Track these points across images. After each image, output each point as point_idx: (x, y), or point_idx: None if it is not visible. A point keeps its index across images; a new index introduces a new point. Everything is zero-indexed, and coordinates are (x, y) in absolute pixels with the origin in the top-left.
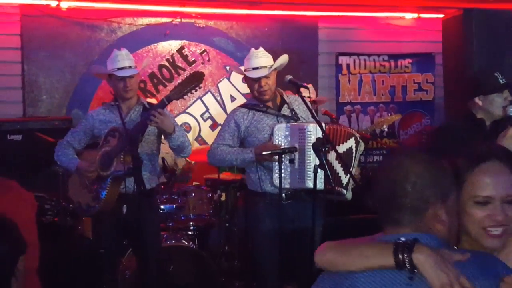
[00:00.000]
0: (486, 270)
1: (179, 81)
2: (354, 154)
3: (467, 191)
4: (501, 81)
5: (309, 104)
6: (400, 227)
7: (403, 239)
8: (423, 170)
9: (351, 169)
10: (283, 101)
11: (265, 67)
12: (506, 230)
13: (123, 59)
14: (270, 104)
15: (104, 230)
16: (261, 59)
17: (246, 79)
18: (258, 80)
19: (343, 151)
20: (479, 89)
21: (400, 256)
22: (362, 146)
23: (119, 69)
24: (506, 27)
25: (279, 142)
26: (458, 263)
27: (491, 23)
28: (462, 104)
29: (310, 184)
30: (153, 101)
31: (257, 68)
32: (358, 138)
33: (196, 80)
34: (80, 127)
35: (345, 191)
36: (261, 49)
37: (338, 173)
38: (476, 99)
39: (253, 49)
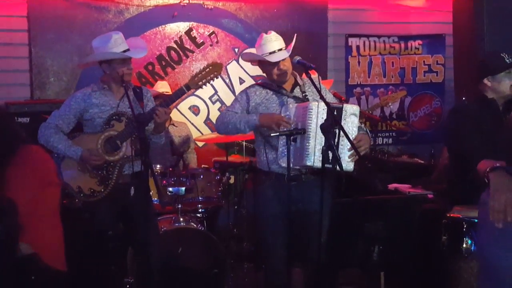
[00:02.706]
0: None
1: (197, 66)
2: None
3: None
4: (507, 60)
5: (317, 84)
6: None
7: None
8: None
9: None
10: (296, 84)
11: (281, 49)
12: None
13: (123, 41)
14: (284, 85)
15: (106, 214)
16: (276, 43)
17: (262, 64)
18: (276, 63)
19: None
20: (487, 70)
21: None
22: (348, 109)
23: (123, 51)
24: None
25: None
26: None
27: (503, 3)
28: (472, 86)
29: (308, 162)
30: (163, 83)
31: (274, 52)
32: (341, 108)
33: (215, 70)
34: (70, 110)
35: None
36: (272, 32)
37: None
38: (485, 80)
39: (264, 34)
